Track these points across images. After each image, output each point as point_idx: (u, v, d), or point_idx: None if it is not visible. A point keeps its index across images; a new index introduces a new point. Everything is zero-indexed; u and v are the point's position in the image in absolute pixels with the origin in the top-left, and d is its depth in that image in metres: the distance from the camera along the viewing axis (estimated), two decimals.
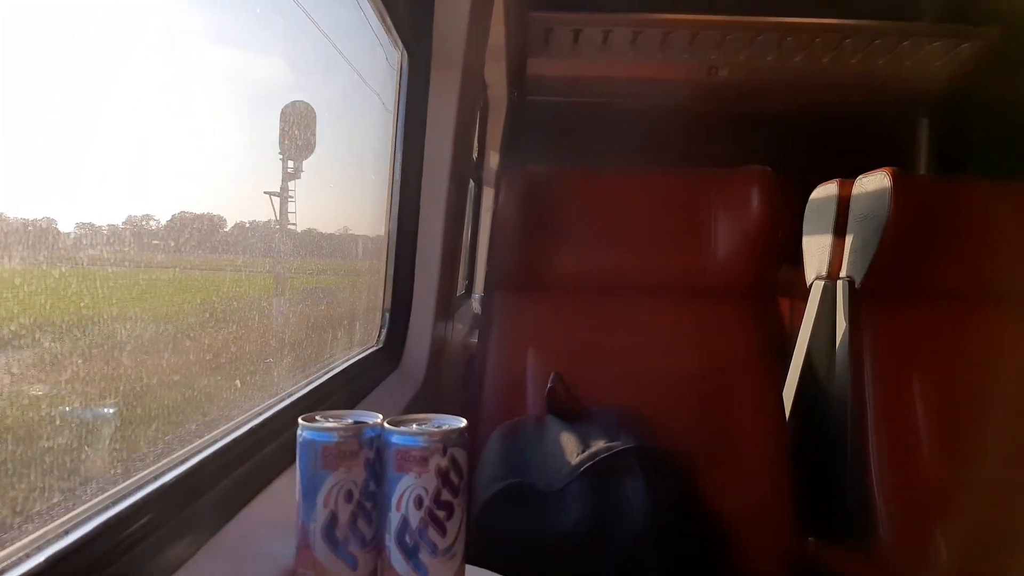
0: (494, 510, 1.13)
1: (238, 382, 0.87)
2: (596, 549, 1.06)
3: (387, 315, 1.47)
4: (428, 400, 1.46)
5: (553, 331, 1.63)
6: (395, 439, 0.67)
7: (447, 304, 1.61)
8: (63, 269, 0.54)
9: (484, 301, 1.71)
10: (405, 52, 1.43)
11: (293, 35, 1.12)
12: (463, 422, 0.70)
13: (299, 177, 1.04)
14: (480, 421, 1.53)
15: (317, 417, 0.68)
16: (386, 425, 0.68)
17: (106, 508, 0.57)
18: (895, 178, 1.59)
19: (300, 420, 0.67)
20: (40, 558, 0.48)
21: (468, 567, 0.71)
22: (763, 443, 1.53)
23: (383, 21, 1.31)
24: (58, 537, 0.51)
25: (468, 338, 2.14)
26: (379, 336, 1.47)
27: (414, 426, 0.69)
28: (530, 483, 1.14)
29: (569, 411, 1.31)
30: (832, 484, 1.64)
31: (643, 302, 1.65)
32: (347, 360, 1.25)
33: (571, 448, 1.17)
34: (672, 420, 1.33)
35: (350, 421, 0.68)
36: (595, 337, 1.62)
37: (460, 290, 2.47)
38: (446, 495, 0.67)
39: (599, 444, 1.15)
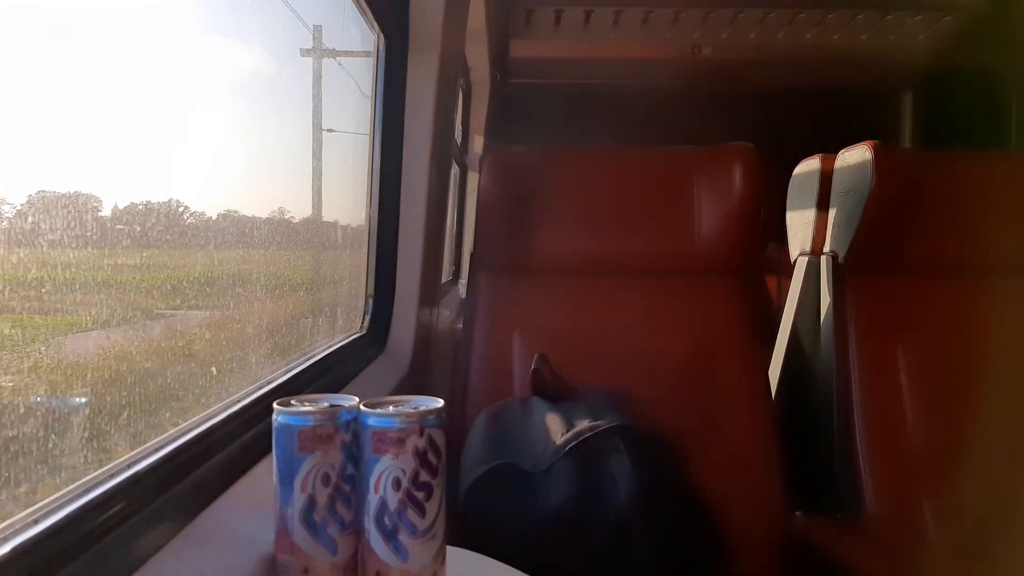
0: (480, 492, 1.13)
1: None
2: (582, 528, 1.06)
3: (370, 301, 1.47)
4: (414, 386, 1.45)
5: (538, 312, 1.63)
6: (371, 421, 0.66)
7: (432, 289, 1.61)
8: None
9: (469, 284, 1.71)
10: (381, 35, 1.41)
11: (266, 19, 1.11)
12: (440, 402, 0.69)
13: None
14: (467, 404, 1.53)
15: (292, 401, 0.68)
16: (362, 407, 0.67)
17: (78, 496, 0.56)
18: (877, 151, 1.59)
19: (275, 405, 0.67)
20: (6, 548, 0.48)
21: (449, 548, 0.71)
22: (749, 420, 1.53)
23: (358, 2, 1.29)
24: (27, 526, 0.51)
25: (455, 323, 2.13)
26: (362, 323, 1.46)
27: (390, 408, 0.68)
28: (515, 464, 1.14)
29: (554, 392, 1.31)
30: (818, 459, 1.65)
31: (628, 282, 1.64)
32: (329, 347, 1.24)
33: (556, 428, 1.17)
34: (658, 399, 1.33)
35: (326, 404, 0.68)
36: (580, 318, 1.62)
37: (447, 276, 2.46)
38: (424, 476, 0.67)
39: (583, 424, 1.15)
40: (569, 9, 2.59)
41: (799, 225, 1.89)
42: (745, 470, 1.49)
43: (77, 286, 0.60)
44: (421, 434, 0.66)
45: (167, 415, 0.73)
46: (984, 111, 2.76)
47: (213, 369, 0.86)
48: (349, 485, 0.67)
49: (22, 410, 0.53)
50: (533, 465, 1.12)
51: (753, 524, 1.45)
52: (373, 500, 0.67)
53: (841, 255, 1.68)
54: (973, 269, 1.64)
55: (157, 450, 0.67)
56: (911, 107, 3.11)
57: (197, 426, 0.75)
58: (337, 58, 1.40)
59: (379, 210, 1.46)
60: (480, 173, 1.67)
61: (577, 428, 1.14)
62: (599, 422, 1.14)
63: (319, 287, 1.40)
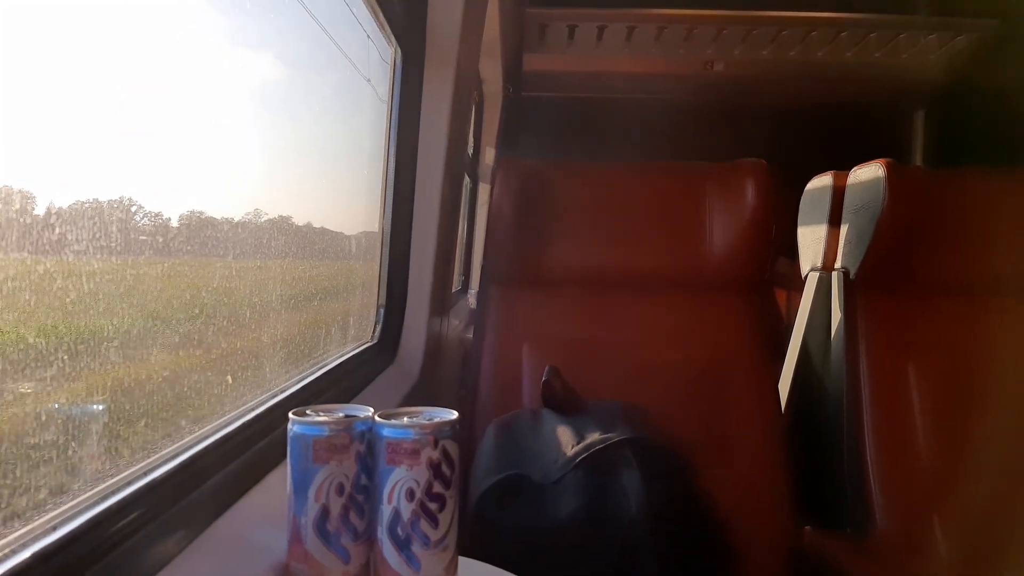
0: (490, 503, 1.12)
1: None
2: (592, 540, 1.06)
3: (382, 311, 1.47)
4: (424, 396, 1.46)
5: (549, 325, 1.63)
6: (386, 432, 0.67)
7: (442, 299, 1.61)
8: None
9: (480, 295, 1.71)
10: (398, 47, 1.42)
11: (285, 30, 1.11)
12: (454, 414, 0.70)
13: None
14: (476, 415, 1.53)
15: (308, 411, 0.68)
16: (377, 418, 0.68)
17: (94, 504, 0.57)
18: (889, 169, 1.59)
19: (291, 414, 0.67)
20: (26, 554, 0.48)
21: (461, 559, 0.71)
22: (759, 434, 1.53)
23: (376, 16, 1.31)
24: (45, 533, 0.51)
25: (464, 334, 2.14)
26: (373, 332, 1.46)
27: (405, 419, 0.68)
28: (526, 475, 1.13)
29: (565, 404, 1.30)
30: (828, 474, 1.64)
31: (638, 295, 1.65)
32: (340, 356, 1.25)
33: (567, 440, 1.17)
34: (668, 412, 1.33)
35: (341, 415, 0.68)
36: (591, 330, 1.62)
37: (456, 286, 2.47)
38: (438, 487, 0.67)
39: (594, 436, 1.15)
40: (583, 24, 2.60)
41: (810, 241, 1.89)
42: (755, 484, 1.48)
43: None
44: (435, 446, 0.66)
45: None
46: (996, 131, 2.75)
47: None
48: (363, 495, 0.68)
49: None
50: (544, 477, 1.12)
51: (763, 538, 1.44)
52: (386, 510, 0.67)
53: (852, 272, 1.68)
54: (985, 288, 1.64)
55: (173, 458, 0.68)
56: (923, 125, 3.11)
57: (212, 434, 0.75)
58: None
59: (392, 220, 1.46)
60: (492, 185, 1.68)
61: (588, 440, 1.14)
62: (610, 434, 1.14)
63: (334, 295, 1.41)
